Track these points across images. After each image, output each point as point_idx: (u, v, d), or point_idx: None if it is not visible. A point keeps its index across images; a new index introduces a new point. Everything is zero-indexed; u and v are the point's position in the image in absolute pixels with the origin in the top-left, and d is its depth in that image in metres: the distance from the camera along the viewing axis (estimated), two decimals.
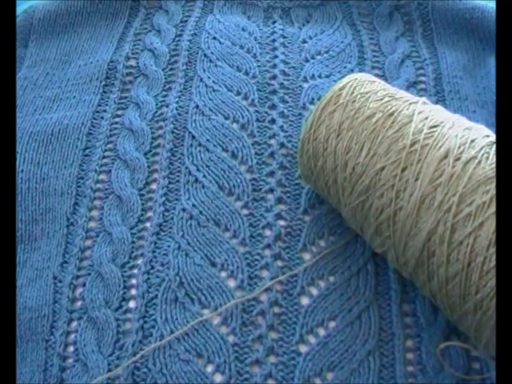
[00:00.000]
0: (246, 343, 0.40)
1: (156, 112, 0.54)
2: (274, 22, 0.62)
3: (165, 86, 0.56)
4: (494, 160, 0.35)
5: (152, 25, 0.62)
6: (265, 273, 0.43)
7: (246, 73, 0.56)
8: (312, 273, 0.43)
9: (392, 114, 0.39)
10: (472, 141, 0.37)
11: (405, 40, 0.60)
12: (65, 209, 0.48)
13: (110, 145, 0.52)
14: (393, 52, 0.59)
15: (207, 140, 0.51)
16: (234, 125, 0.52)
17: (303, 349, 0.40)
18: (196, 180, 0.49)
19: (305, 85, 0.55)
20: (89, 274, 0.44)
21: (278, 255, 0.44)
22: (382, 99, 0.41)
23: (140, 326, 0.41)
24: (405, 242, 0.37)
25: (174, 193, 0.48)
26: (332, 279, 0.43)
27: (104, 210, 0.48)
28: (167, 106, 0.54)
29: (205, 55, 0.58)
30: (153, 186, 0.49)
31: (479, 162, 0.35)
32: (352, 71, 0.57)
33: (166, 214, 0.47)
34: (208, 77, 0.56)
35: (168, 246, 0.45)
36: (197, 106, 0.54)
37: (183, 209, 0.47)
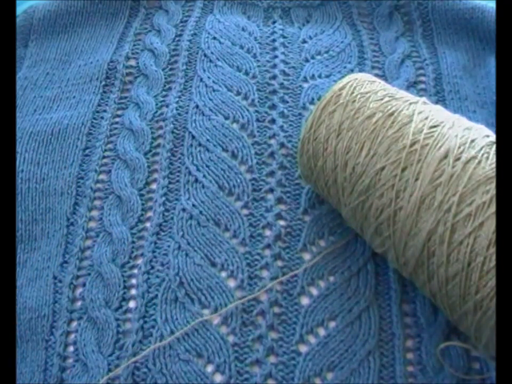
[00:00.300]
0: (246, 343, 0.40)
1: (156, 112, 0.54)
2: (274, 22, 0.62)
3: (165, 86, 0.56)
4: (494, 160, 0.35)
5: (152, 25, 0.62)
6: (265, 273, 0.43)
7: (246, 73, 0.56)
8: (312, 273, 0.43)
9: (392, 114, 0.39)
10: (472, 141, 0.37)
11: (405, 40, 0.60)
12: (65, 209, 0.48)
13: (110, 145, 0.52)
14: (393, 52, 0.59)
15: (207, 140, 0.51)
16: (234, 125, 0.52)
17: (303, 349, 0.40)
18: (196, 180, 0.49)
19: (305, 85, 0.55)
20: (89, 274, 0.44)
21: (278, 255, 0.44)
22: (382, 99, 0.41)
23: (140, 326, 0.41)
24: (405, 242, 0.37)
25: (174, 193, 0.48)
26: (332, 279, 0.43)
27: (104, 210, 0.48)
28: (167, 106, 0.54)
29: (205, 55, 0.58)
30: (153, 186, 0.49)
31: (479, 162, 0.35)
32: (352, 71, 0.57)
33: (166, 214, 0.47)
34: (208, 77, 0.56)
35: (168, 246, 0.45)
36: (197, 106, 0.54)
37: (183, 209, 0.47)
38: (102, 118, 0.54)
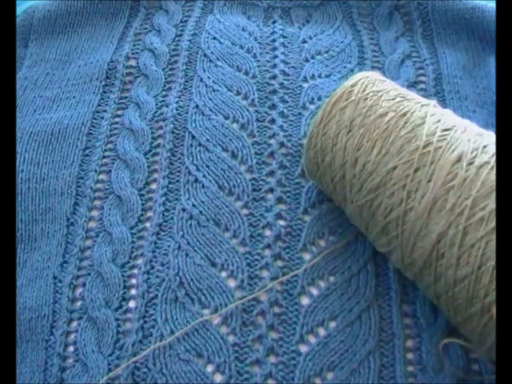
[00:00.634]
0: (246, 343, 0.40)
1: (156, 112, 0.54)
2: (274, 22, 0.62)
3: (165, 86, 0.56)
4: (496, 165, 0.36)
5: (152, 25, 0.62)
6: (265, 273, 0.43)
7: (246, 73, 0.56)
8: (312, 273, 0.43)
9: (405, 114, 0.39)
10: (485, 146, 0.37)
11: (405, 40, 0.60)
12: (65, 209, 0.48)
13: (110, 145, 0.52)
14: (393, 52, 0.59)
15: (207, 140, 0.51)
16: (234, 125, 0.52)
17: (303, 349, 0.40)
18: (196, 180, 0.49)
19: (305, 85, 0.55)
20: (89, 274, 0.44)
21: (278, 255, 0.44)
22: (394, 99, 0.41)
23: (140, 326, 0.41)
24: (413, 243, 0.36)
25: (174, 193, 0.48)
26: (332, 279, 0.43)
27: (104, 210, 0.48)
28: (167, 106, 0.54)
29: (205, 55, 0.58)
30: (153, 186, 0.49)
31: (492, 167, 0.35)
32: (352, 71, 0.57)
33: (166, 214, 0.47)
34: (208, 77, 0.56)
35: (168, 246, 0.45)
36: (197, 106, 0.54)
37: (183, 209, 0.47)
38: (102, 118, 0.54)
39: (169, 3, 0.64)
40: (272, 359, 0.40)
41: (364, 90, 0.41)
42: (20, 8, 0.63)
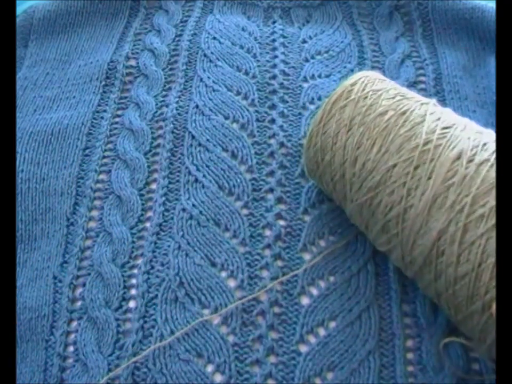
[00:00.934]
0: (246, 343, 0.40)
1: (156, 112, 0.54)
2: (274, 22, 0.62)
3: (165, 86, 0.56)
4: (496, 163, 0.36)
5: (152, 25, 0.62)
6: (265, 273, 0.43)
7: (246, 73, 0.56)
8: (312, 273, 0.43)
9: (404, 113, 0.39)
10: (485, 144, 0.37)
11: (405, 40, 0.60)
12: (65, 209, 0.48)
13: (110, 145, 0.52)
14: (393, 52, 0.59)
15: (207, 140, 0.51)
16: (234, 125, 0.52)
17: (303, 349, 0.40)
18: (196, 180, 0.49)
19: (305, 85, 0.55)
20: (89, 274, 0.44)
21: (278, 255, 0.44)
22: (393, 97, 0.41)
23: (140, 326, 0.41)
24: (414, 241, 0.37)
25: (174, 193, 0.48)
26: (332, 279, 0.43)
27: (104, 210, 0.48)
28: (167, 106, 0.54)
29: (205, 55, 0.58)
30: (153, 186, 0.49)
31: (492, 165, 0.35)
32: (352, 71, 0.57)
33: (166, 214, 0.47)
34: (208, 77, 0.56)
35: (168, 246, 0.45)
36: (197, 106, 0.54)
37: (183, 209, 0.47)
38: (102, 118, 0.54)
39: (169, 3, 0.64)
40: (272, 359, 0.40)
41: (364, 89, 0.42)
42: (20, 8, 0.63)
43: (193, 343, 0.40)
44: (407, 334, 0.41)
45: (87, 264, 0.45)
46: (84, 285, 0.44)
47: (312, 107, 0.53)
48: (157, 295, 0.42)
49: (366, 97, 0.41)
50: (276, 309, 0.42)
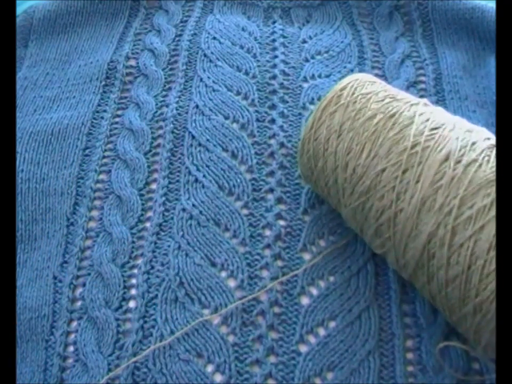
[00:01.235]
0: (246, 343, 0.40)
1: (156, 112, 0.54)
2: (274, 22, 0.62)
3: (165, 86, 0.56)
4: (495, 163, 0.35)
5: (152, 25, 0.62)
6: (265, 273, 0.43)
7: (246, 73, 0.56)
8: (312, 273, 0.43)
9: (393, 115, 0.39)
10: (473, 143, 0.37)
11: (405, 40, 0.60)
12: (65, 209, 0.48)
13: (110, 145, 0.52)
14: (393, 52, 0.59)
15: (207, 140, 0.51)
16: (234, 125, 0.52)
17: (303, 349, 0.40)
18: (196, 180, 0.49)
19: (305, 85, 0.55)
20: (89, 274, 0.44)
21: (278, 255, 0.44)
22: (383, 100, 0.41)
23: (140, 326, 0.41)
24: (405, 244, 0.37)
25: (174, 193, 0.48)
26: (332, 279, 0.43)
27: (104, 210, 0.48)
28: (167, 106, 0.54)
29: (205, 55, 0.58)
30: (153, 186, 0.49)
31: (480, 165, 0.35)
32: (352, 71, 0.57)
33: (166, 214, 0.47)
34: (208, 77, 0.56)
35: (168, 246, 0.45)
36: (197, 106, 0.54)
37: (183, 209, 0.47)
38: (102, 118, 0.54)
39: (169, 3, 0.64)
40: (272, 359, 0.40)
41: (353, 94, 0.42)
42: (20, 8, 0.63)
43: (193, 343, 0.40)
44: (407, 334, 0.41)
45: (87, 264, 0.45)
46: (84, 285, 0.44)
47: (312, 107, 0.53)
48: (157, 295, 0.42)
49: (355, 102, 0.41)
50: (276, 309, 0.42)
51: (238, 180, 0.48)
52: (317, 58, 0.58)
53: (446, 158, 0.36)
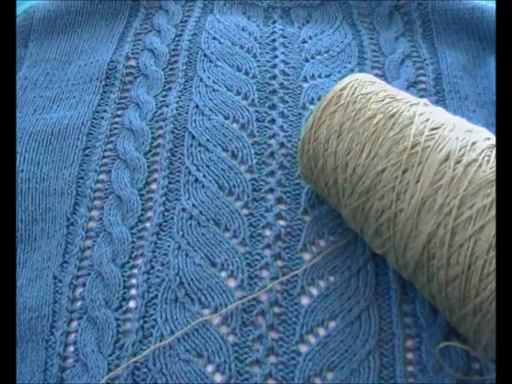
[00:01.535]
0: (246, 343, 0.40)
1: (156, 112, 0.54)
2: (274, 22, 0.62)
3: (165, 86, 0.56)
4: (495, 163, 0.35)
5: (152, 25, 0.62)
6: (265, 273, 0.43)
7: (246, 73, 0.56)
8: (312, 273, 0.43)
9: (393, 115, 0.39)
10: (473, 143, 0.37)
11: (405, 40, 0.60)
12: (65, 209, 0.48)
13: (110, 145, 0.52)
14: (393, 52, 0.59)
15: (207, 140, 0.51)
16: (234, 125, 0.52)
17: (303, 349, 0.40)
18: (196, 180, 0.49)
19: (305, 85, 0.55)
20: (89, 274, 0.44)
21: (278, 255, 0.44)
22: (383, 100, 0.41)
23: (140, 326, 0.41)
24: (405, 244, 0.37)
25: (174, 193, 0.48)
26: (332, 279, 0.43)
27: (104, 210, 0.48)
28: (167, 106, 0.54)
29: (205, 55, 0.58)
30: (153, 186, 0.49)
31: (480, 165, 0.35)
32: (352, 71, 0.57)
33: (166, 214, 0.47)
34: (208, 77, 0.56)
35: (168, 246, 0.45)
36: (197, 106, 0.54)
37: (183, 209, 0.47)
38: (102, 118, 0.54)
39: (169, 3, 0.64)
40: (272, 359, 0.40)
41: (353, 94, 0.41)
42: (20, 8, 0.63)
43: (193, 343, 0.40)
44: (407, 333, 0.41)
45: (87, 264, 0.45)
46: (84, 285, 0.44)
47: (312, 107, 0.53)
48: (157, 295, 0.42)
49: (355, 102, 0.41)
50: (276, 309, 0.42)
51: (238, 180, 0.48)
52: (317, 58, 0.58)
53: (446, 158, 0.36)
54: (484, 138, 0.38)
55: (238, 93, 0.55)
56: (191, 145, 0.51)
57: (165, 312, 0.42)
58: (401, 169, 0.37)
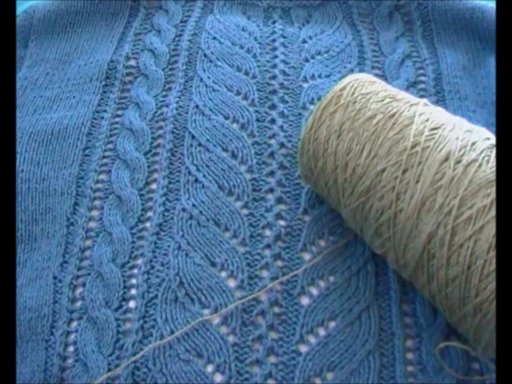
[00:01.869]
0: (246, 343, 0.40)
1: (156, 112, 0.54)
2: (274, 22, 0.62)
3: (165, 86, 0.56)
4: (495, 163, 0.35)
5: (152, 25, 0.62)
6: (265, 273, 0.43)
7: (246, 73, 0.56)
8: (312, 273, 0.43)
9: (393, 115, 0.39)
10: (473, 143, 0.37)
11: (405, 40, 0.60)
12: (65, 209, 0.48)
13: (110, 145, 0.52)
14: (393, 52, 0.59)
15: (207, 140, 0.51)
16: (234, 125, 0.52)
17: (303, 349, 0.40)
18: (196, 180, 0.49)
19: (305, 85, 0.55)
20: (89, 274, 0.44)
21: (278, 255, 0.44)
22: (383, 100, 0.41)
23: (140, 326, 0.41)
24: (405, 244, 0.37)
25: (174, 193, 0.48)
26: (332, 279, 0.43)
27: (104, 210, 0.48)
28: (167, 106, 0.54)
29: (205, 55, 0.58)
30: (153, 186, 0.49)
31: (480, 165, 0.35)
32: (352, 71, 0.57)
33: (166, 214, 0.47)
34: (208, 77, 0.56)
35: (168, 246, 0.45)
36: (197, 106, 0.54)
37: (183, 209, 0.47)
38: (102, 118, 0.54)
39: (169, 3, 0.64)
40: (272, 359, 0.40)
41: (353, 94, 0.41)
42: (20, 8, 0.63)
43: (193, 343, 0.40)
44: (407, 333, 0.41)
45: (87, 264, 0.45)
46: (84, 285, 0.44)
47: (312, 107, 0.53)
48: (157, 295, 0.42)
49: (355, 102, 0.41)
50: (276, 309, 0.42)
51: (238, 180, 0.48)
52: (317, 58, 0.58)
53: (446, 158, 0.36)
54: (484, 138, 0.37)
55: (238, 93, 0.55)
56: (191, 145, 0.51)
57: (165, 312, 0.42)
58: (401, 169, 0.37)
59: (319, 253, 0.44)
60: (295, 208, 0.47)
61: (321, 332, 0.41)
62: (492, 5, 0.60)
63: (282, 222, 0.46)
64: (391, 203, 0.37)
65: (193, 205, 0.47)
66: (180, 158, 0.50)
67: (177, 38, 0.60)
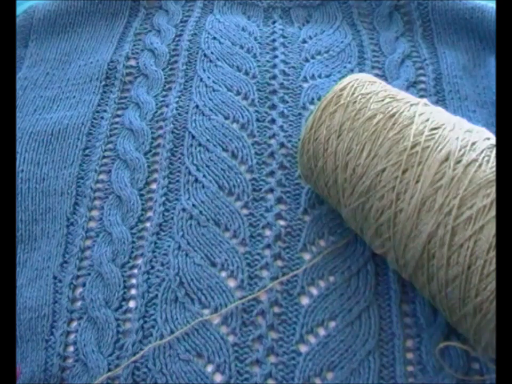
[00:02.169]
0: (246, 343, 0.40)
1: (156, 112, 0.54)
2: (274, 22, 0.62)
3: (165, 86, 0.56)
4: (495, 163, 0.35)
5: (152, 25, 0.62)
6: (265, 273, 0.43)
7: (246, 73, 0.56)
8: (312, 273, 0.43)
9: (393, 115, 0.39)
10: (473, 143, 0.37)
11: (405, 40, 0.60)
12: (65, 209, 0.48)
13: (110, 145, 0.52)
14: (393, 52, 0.59)
15: (207, 140, 0.51)
16: (234, 125, 0.52)
17: (303, 349, 0.40)
18: (196, 180, 0.49)
19: (305, 85, 0.55)
20: (89, 274, 0.44)
21: (278, 255, 0.44)
22: (383, 100, 0.41)
23: (140, 326, 0.41)
24: (405, 244, 0.37)
25: (174, 193, 0.48)
26: (332, 279, 0.43)
27: (104, 210, 0.48)
28: (167, 106, 0.54)
29: (205, 55, 0.58)
30: (153, 186, 0.49)
31: (480, 165, 0.35)
32: (352, 71, 0.57)
33: (166, 214, 0.47)
34: (208, 77, 0.56)
35: (168, 246, 0.45)
36: (197, 106, 0.54)
37: (183, 209, 0.47)
38: (102, 118, 0.54)
39: (169, 3, 0.64)
40: (272, 359, 0.40)
41: (353, 94, 0.41)
42: (20, 8, 0.63)
43: (193, 343, 0.40)
44: (407, 333, 0.41)
45: (87, 264, 0.45)
46: (84, 285, 0.44)
47: (312, 107, 0.53)
48: (157, 295, 0.42)
49: (355, 102, 0.41)
50: (276, 309, 0.42)
51: (238, 180, 0.48)
52: (317, 58, 0.58)
53: (446, 158, 0.36)
54: (484, 138, 0.37)
55: (238, 93, 0.55)
56: (191, 145, 0.51)
57: (165, 312, 0.42)
58: (401, 169, 0.37)
59: (319, 253, 0.44)
60: (295, 208, 0.47)
61: (321, 331, 0.41)
62: (492, 5, 0.60)
63: (282, 222, 0.46)
64: (391, 203, 0.37)
65: (193, 205, 0.47)
66: (179, 158, 0.50)
67: (177, 38, 0.60)
